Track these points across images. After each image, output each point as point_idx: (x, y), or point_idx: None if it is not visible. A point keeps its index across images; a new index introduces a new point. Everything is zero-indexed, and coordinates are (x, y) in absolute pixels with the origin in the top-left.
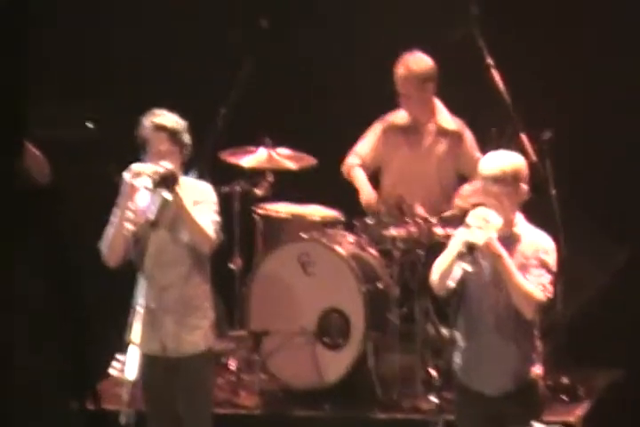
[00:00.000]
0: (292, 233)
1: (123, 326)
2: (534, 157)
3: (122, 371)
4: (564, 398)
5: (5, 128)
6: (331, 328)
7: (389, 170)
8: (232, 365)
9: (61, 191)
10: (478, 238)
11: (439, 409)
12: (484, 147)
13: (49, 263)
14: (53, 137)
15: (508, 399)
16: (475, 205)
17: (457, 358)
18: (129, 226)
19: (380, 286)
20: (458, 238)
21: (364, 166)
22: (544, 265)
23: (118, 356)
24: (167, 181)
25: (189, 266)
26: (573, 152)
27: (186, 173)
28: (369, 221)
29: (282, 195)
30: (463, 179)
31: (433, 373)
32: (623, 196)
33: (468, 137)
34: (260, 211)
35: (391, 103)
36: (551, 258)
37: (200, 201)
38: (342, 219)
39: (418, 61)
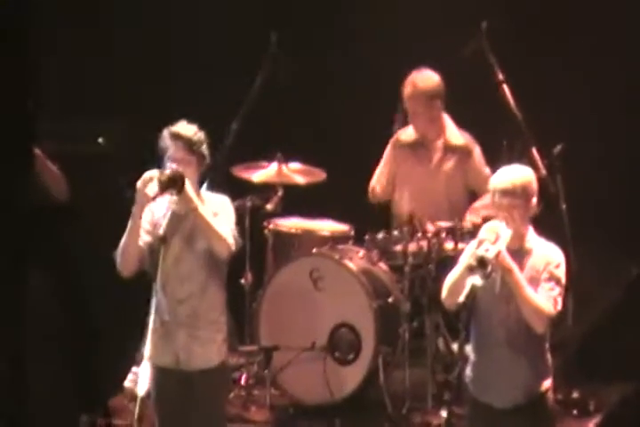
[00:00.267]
0: (303, 248)
1: (139, 339)
2: (544, 172)
3: (136, 383)
4: (574, 412)
5: (14, 142)
6: (341, 343)
7: (399, 186)
8: (243, 380)
9: (78, 207)
10: (489, 252)
11: (449, 424)
12: (495, 161)
13: (62, 279)
14: (65, 152)
15: (518, 413)
16: (485, 219)
17: (468, 372)
18: (145, 237)
19: (390, 301)
20: (468, 253)
21: (384, 192)
22: (555, 279)
23: (135, 369)
24: (175, 183)
25: (205, 278)
26: (584, 166)
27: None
28: (379, 235)
29: (293, 209)
30: (472, 194)
31: (443, 387)
32: (634, 209)
33: (477, 152)
34: (270, 226)
35: (403, 119)
36: (561, 271)
37: (217, 211)
38: (352, 233)
39: (425, 79)
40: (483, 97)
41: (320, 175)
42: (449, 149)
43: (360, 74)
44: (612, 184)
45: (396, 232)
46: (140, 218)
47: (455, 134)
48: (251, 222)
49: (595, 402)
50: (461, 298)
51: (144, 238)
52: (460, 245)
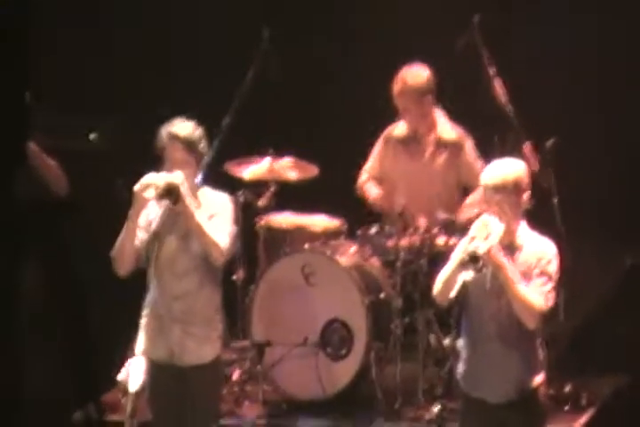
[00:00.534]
0: (295, 244)
1: (133, 334)
2: (537, 166)
3: (128, 376)
4: (566, 406)
5: (10, 135)
6: (333, 339)
7: (391, 181)
8: (235, 375)
9: (75, 203)
10: (480, 248)
11: (441, 419)
12: (488, 156)
13: (57, 274)
14: (58, 147)
15: (510, 408)
16: (477, 215)
17: (459, 368)
18: (140, 234)
19: (382, 296)
20: (460, 248)
21: (374, 180)
22: (547, 274)
23: (129, 362)
24: (170, 194)
25: (201, 276)
26: (576, 160)
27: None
28: (371, 231)
29: (285, 205)
30: (465, 189)
31: (435, 383)
32: (627, 202)
33: (469, 147)
34: (262, 222)
35: (394, 114)
36: (554, 267)
37: (216, 212)
38: (345, 229)
39: (414, 75)
40: (475, 91)
41: (312, 171)
42: (441, 144)
43: (352, 69)
44: (604, 177)
45: (387, 228)
46: (137, 220)
47: (447, 129)
48: (243, 218)
49: (587, 396)
50: (453, 294)
51: (140, 236)
52: (452, 241)
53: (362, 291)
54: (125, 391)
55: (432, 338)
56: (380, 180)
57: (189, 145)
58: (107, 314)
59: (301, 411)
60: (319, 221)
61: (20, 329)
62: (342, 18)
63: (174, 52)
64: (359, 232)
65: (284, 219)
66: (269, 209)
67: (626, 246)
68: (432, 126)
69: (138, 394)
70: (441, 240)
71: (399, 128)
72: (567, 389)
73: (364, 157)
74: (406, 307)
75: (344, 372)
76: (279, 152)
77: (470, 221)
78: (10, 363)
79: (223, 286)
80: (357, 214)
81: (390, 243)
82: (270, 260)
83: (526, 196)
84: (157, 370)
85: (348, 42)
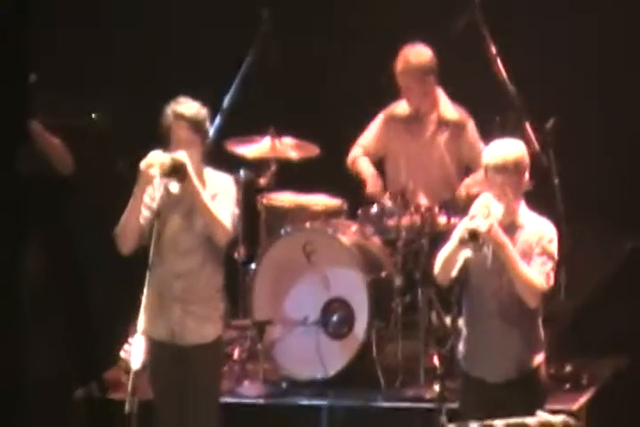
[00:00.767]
0: (296, 223)
1: (134, 312)
2: (537, 146)
3: (130, 355)
4: (567, 386)
5: (8, 115)
6: (334, 318)
7: (392, 160)
8: (236, 354)
9: (79, 182)
10: (481, 226)
11: (442, 398)
12: (488, 136)
13: (59, 253)
14: (60, 126)
15: (510, 387)
16: (478, 194)
17: (460, 347)
18: (145, 213)
19: (383, 275)
20: (461, 227)
21: (367, 157)
22: (547, 253)
23: (131, 339)
24: (177, 172)
25: (204, 255)
26: (577, 141)
27: None
28: (373, 210)
29: (286, 184)
30: (466, 168)
31: (436, 361)
32: (627, 184)
33: (471, 126)
34: (263, 200)
35: (395, 93)
36: (554, 246)
37: (219, 193)
38: (346, 208)
39: (417, 55)
40: (476, 71)
41: (313, 150)
42: (443, 123)
43: (353, 47)
44: (605, 159)
45: (388, 207)
46: (142, 198)
47: (449, 108)
48: (244, 197)
49: (587, 376)
50: (454, 272)
51: (145, 214)
52: (453, 220)
53: (363, 269)
54: (127, 370)
55: (433, 317)
56: (373, 157)
57: (195, 124)
58: (109, 292)
59: (302, 390)
60: (320, 201)
61: (22, 308)
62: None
63: (175, 30)
64: (360, 211)
65: (285, 198)
66: (270, 188)
67: (626, 230)
68: (434, 105)
69: (138, 373)
70: (442, 219)
71: (401, 107)
72: (568, 369)
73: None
74: (407, 285)
75: (345, 351)
76: (280, 131)
77: (471, 200)
78: (12, 343)
79: (224, 264)
80: (358, 194)
81: (391, 222)
82: (271, 239)
83: (527, 176)
84: (158, 349)
85: (349, 21)
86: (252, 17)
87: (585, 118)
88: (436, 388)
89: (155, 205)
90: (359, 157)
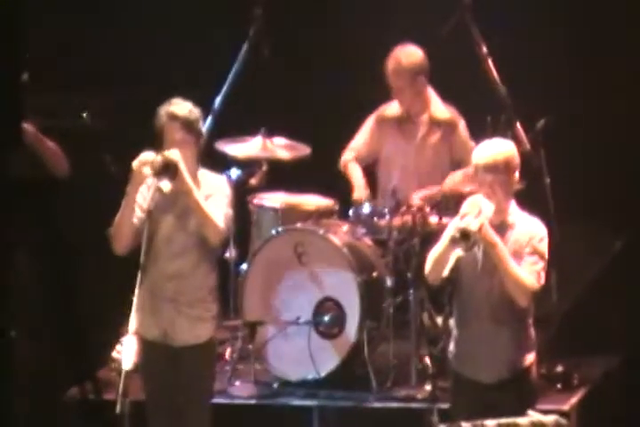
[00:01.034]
0: (288, 223)
1: (127, 312)
2: (528, 146)
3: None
4: (558, 386)
5: (5, 114)
6: (326, 318)
7: (384, 161)
8: (227, 354)
9: (69, 183)
10: (471, 225)
11: (433, 398)
12: (479, 135)
13: (50, 252)
14: (51, 127)
15: (502, 387)
16: (468, 194)
17: (451, 347)
18: (139, 213)
19: (374, 275)
20: (451, 227)
21: (359, 160)
22: (538, 253)
23: (123, 340)
24: (168, 169)
25: (197, 256)
26: (568, 140)
27: None
28: (364, 210)
29: (277, 184)
30: (458, 167)
31: (427, 361)
32: (617, 183)
33: (462, 125)
34: (255, 201)
35: (386, 93)
36: (544, 246)
37: (213, 194)
38: (337, 208)
39: (408, 55)
40: (467, 71)
41: (304, 150)
42: (434, 123)
43: (345, 48)
44: (595, 158)
45: (380, 207)
46: (134, 197)
47: (440, 108)
48: (235, 197)
49: (579, 376)
50: (445, 272)
51: (138, 214)
52: (445, 220)
53: (354, 270)
54: (119, 370)
55: (425, 317)
56: (366, 160)
57: (187, 124)
58: (102, 291)
59: (293, 390)
60: (311, 200)
61: (12, 305)
62: None
63: (165, 33)
64: (351, 211)
65: (277, 198)
66: (261, 188)
67: (616, 228)
68: (425, 106)
69: (129, 373)
70: (433, 219)
71: (392, 108)
72: (559, 369)
73: (355, 136)
74: (399, 286)
75: (336, 351)
76: (271, 131)
77: (460, 199)
78: (1, 340)
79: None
80: (349, 194)
81: (383, 222)
82: (262, 239)
83: (517, 175)
84: (150, 350)
85: (341, 20)
86: (244, 16)
87: (575, 118)
88: (428, 388)
89: (146, 206)
90: (350, 162)
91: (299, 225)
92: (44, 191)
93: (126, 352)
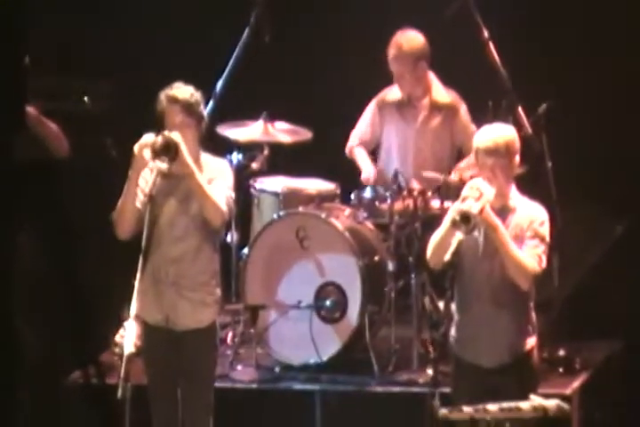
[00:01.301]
0: (289, 207)
1: (129, 295)
2: (530, 130)
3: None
4: (560, 370)
5: (8, 97)
6: (327, 302)
7: (386, 145)
8: (229, 339)
9: (75, 165)
10: (473, 207)
11: (435, 382)
12: (481, 120)
13: (53, 235)
14: (53, 110)
15: (503, 372)
16: (470, 178)
17: (452, 332)
18: (142, 197)
19: (376, 259)
20: (453, 210)
21: (364, 145)
22: (539, 236)
23: (124, 324)
24: (169, 150)
25: (200, 240)
26: (569, 125)
27: None
28: (366, 194)
29: (279, 168)
30: (459, 152)
31: (429, 346)
32: (619, 168)
33: (463, 110)
34: (256, 185)
35: (388, 78)
36: (546, 229)
37: (215, 177)
38: (339, 192)
39: (409, 40)
40: (468, 55)
41: (306, 134)
42: (435, 108)
43: (346, 32)
44: (597, 143)
45: (381, 191)
46: (137, 182)
47: (441, 93)
48: (236, 181)
49: (580, 360)
50: (447, 256)
51: (141, 198)
52: (446, 204)
53: (356, 254)
54: (121, 354)
55: (426, 301)
56: (370, 144)
57: (188, 107)
58: (105, 275)
59: (295, 374)
60: (313, 184)
61: (13, 288)
62: None
63: (166, 18)
64: (353, 195)
65: (278, 182)
66: (263, 172)
67: (617, 212)
68: (426, 90)
69: (130, 357)
70: (435, 203)
71: (393, 92)
72: (561, 353)
73: (356, 120)
74: (400, 270)
75: (338, 335)
76: (273, 115)
77: (463, 185)
78: (4, 325)
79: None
80: (351, 178)
81: (384, 206)
82: (264, 223)
83: (517, 159)
84: (152, 334)
85: (342, 4)
86: (243, 17)
87: (577, 102)
88: (429, 372)
89: (147, 190)
90: (355, 148)
91: (300, 209)
92: (45, 175)
93: (127, 337)
